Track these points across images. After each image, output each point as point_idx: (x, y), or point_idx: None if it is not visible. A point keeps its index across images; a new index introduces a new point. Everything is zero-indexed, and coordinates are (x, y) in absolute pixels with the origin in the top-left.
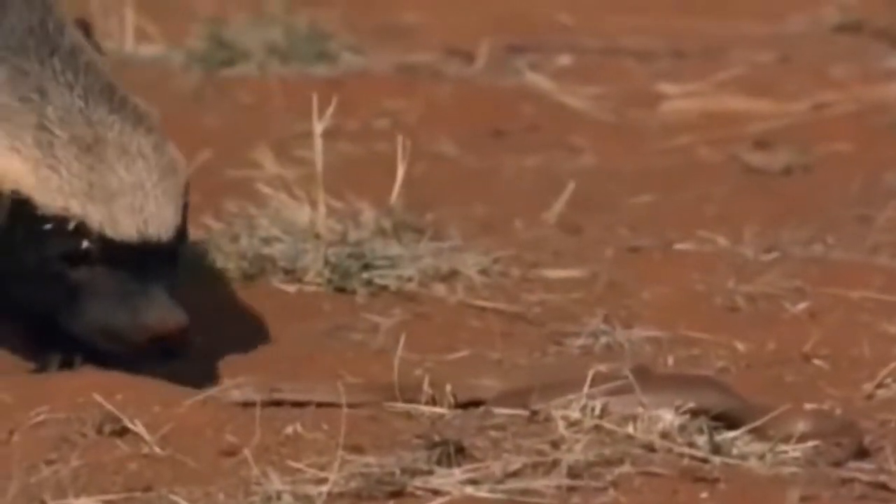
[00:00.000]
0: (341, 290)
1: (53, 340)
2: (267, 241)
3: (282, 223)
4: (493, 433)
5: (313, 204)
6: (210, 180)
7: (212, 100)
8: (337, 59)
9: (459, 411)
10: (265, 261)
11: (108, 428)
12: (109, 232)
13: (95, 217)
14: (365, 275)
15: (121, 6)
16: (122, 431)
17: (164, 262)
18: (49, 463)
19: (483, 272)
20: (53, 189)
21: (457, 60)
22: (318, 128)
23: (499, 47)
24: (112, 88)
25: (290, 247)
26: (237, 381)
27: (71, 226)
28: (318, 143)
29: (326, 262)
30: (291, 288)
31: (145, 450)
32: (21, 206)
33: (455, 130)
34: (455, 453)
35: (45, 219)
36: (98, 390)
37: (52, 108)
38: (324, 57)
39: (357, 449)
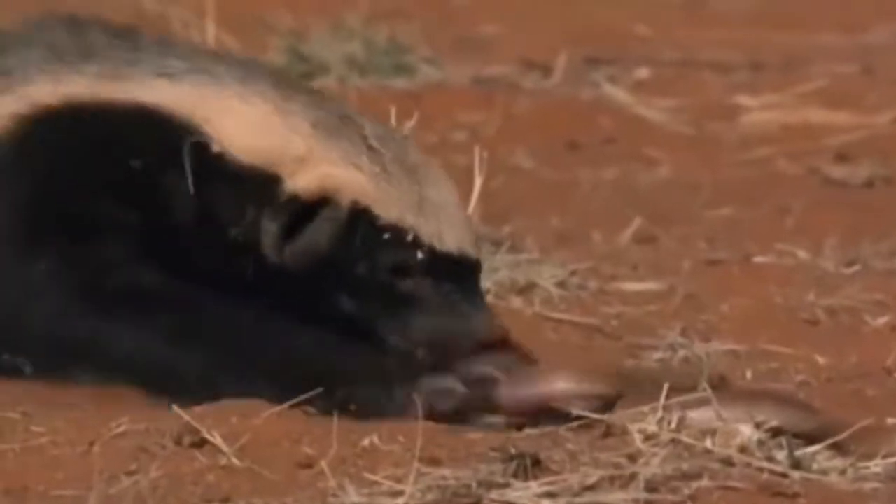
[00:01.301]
0: None
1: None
2: None
3: None
4: (569, 446)
5: None
6: None
7: None
8: (415, 72)
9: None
10: None
11: (186, 439)
12: (437, 244)
13: (426, 230)
14: None
15: (201, 20)
16: (201, 443)
17: (476, 277)
18: (129, 474)
19: (560, 285)
20: (391, 201)
21: (534, 73)
22: None
23: (576, 60)
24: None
25: None
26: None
27: (407, 237)
28: None
29: None
30: None
31: (223, 461)
32: (359, 216)
33: (532, 143)
34: (531, 466)
35: (382, 229)
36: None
37: (369, 129)
38: (402, 70)
39: (433, 461)
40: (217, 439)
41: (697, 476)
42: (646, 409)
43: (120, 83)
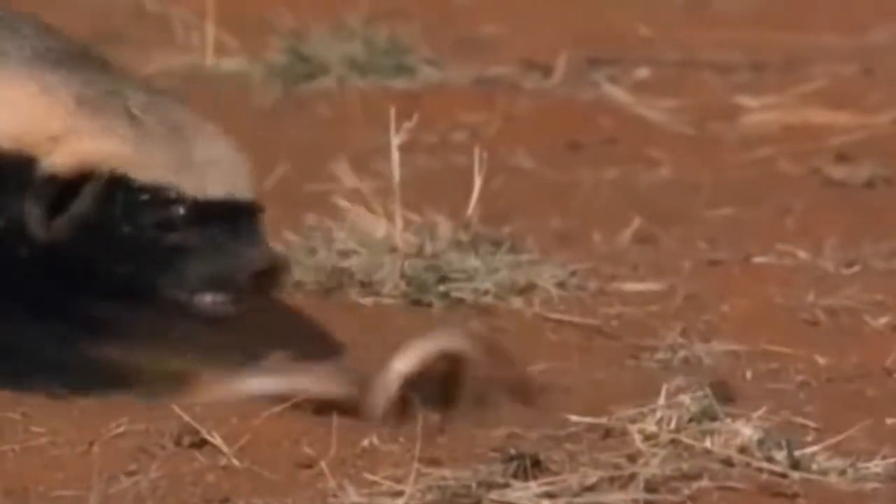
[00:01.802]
0: (417, 302)
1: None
2: (344, 254)
3: (359, 236)
4: (569, 446)
5: (390, 217)
6: (288, 194)
7: (291, 114)
8: (416, 73)
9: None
10: (342, 274)
11: (186, 440)
12: (200, 196)
13: (189, 184)
14: (441, 287)
15: (201, 21)
16: (201, 443)
17: (252, 221)
18: (129, 474)
19: (560, 285)
20: (150, 163)
21: (535, 73)
22: (396, 141)
23: (577, 60)
24: (164, 90)
25: (366, 260)
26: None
27: (168, 194)
28: (396, 156)
29: (403, 275)
30: (368, 301)
31: (223, 461)
32: (119, 183)
33: (532, 143)
34: (531, 466)
35: (143, 190)
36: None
37: (133, 100)
38: (403, 70)
39: (433, 462)
40: (217, 440)
41: (697, 476)
42: (645, 409)
43: None
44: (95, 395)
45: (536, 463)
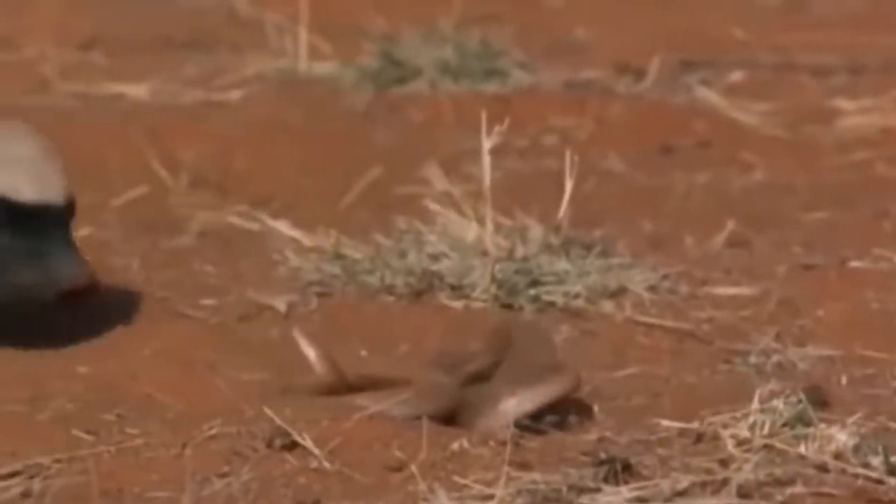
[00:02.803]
0: (508, 306)
1: None
2: (435, 257)
3: (449, 239)
4: (660, 451)
5: (481, 220)
6: (379, 197)
7: (382, 117)
8: (507, 76)
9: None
10: (433, 277)
11: (277, 442)
12: (12, 197)
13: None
14: (532, 291)
15: (295, 25)
16: (292, 446)
17: (64, 226)
18: (221, 476)
19: (651, 289)
20: None
21: (627, 77)
22: (487, 144)
23: (670, 63)
24: None
25: (457, 263)
26: (404, 397)
27: None
28: (487, 159)
29: (493, 279)
30: (458, 304)
31: (314, 464)
32: None
33: (624, 147)
34: (622, 471)
35: None
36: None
37: None
38: (494, 74)
39: (523, 465)
40: (308, 442)
41: (791, 482)
42: (737, 414)
43: None
44: None
45: (627, 467)
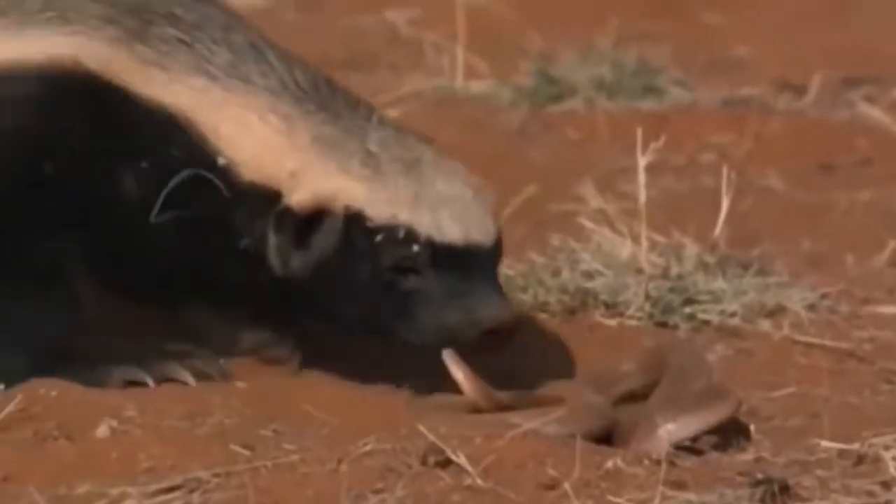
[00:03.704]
0: (663, 324)
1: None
2: (589, 274)
3: (604, 257)
4: (819, 472)
5: (636, 238)
6: (534, 214)
7: (538, 135)
8: (664, 94)
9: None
10: (587, 294)
11: (431, 459)
12: (437, 237)
13: (423, 224)
14: (687, 309)
15: (453, 44)
16: (446, 463)
17: (488, 266)
18: (375, 492)
19: (810, 308)
20: (384, 201)
21: (787, 94)
22: (642, 162)
23: (832, 79)
24: (411, 130)
25: (611, 281)
26: (558, 416)
27: (401, 234)
28: (642, 177)
29: (648, 297)
30: (612, 322)
31: (468, 481)
32: (353, 221)
33: (784, 164)
34: (779, 492)
35: (377, 230)
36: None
37: (373, 137)
38: (651, 91)
39: (678, 485)
40: (462, 459)
41: None
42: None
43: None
44: None
45: (785, 489)
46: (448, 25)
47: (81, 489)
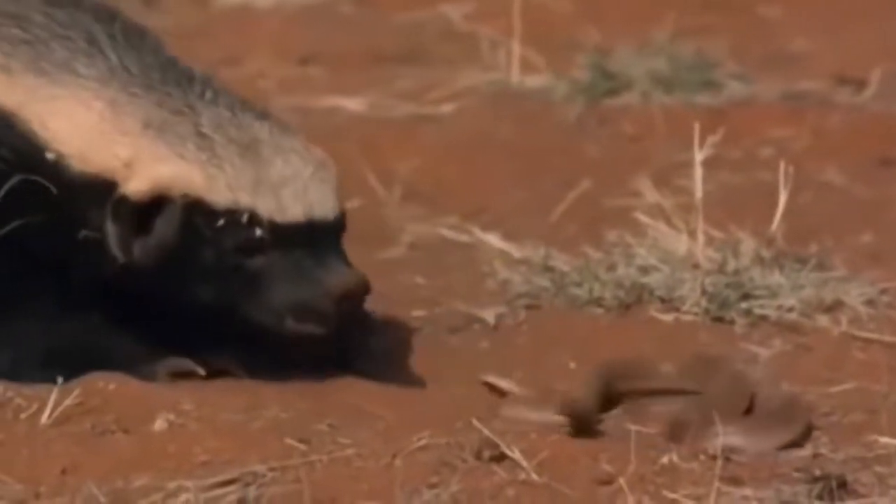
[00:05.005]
0: (719, 319)
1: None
2: (644, 269)
3: (660, 252)
4: (878, 469)
5: (692, 233)
6: (589, 209)
7: (594, 129)
8: (722, 88)
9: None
10: (642, 290)
11: (486, 454)
12: (279, 218)
13: (264, 206)
14: (744, 304)
15: (508, 38)
16: (500, 457)
17: (334, 241)
18: (430, 487)
19: (869, 303)
20: (222, 186)
21: (847, 87)
22: (699, 156)
23: (893, 73)
24: (248, 103)
25: (667, 276)
26: (611, 413)
27: (243, 218)
28: (699, 171)
29: (704, 292)
30: (668, 317)
31: (522, 476)
32: (193, 207)
33: (843, 159)
34: (837, 488)
35: (218, 214)
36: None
37: (205, 118)
38: (709, 86)
39: (734, 481)
40: (516, 454)
41: None
42: None
43: None
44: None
45: (843, 485)
46: (504, 19)
47: (138, 482)
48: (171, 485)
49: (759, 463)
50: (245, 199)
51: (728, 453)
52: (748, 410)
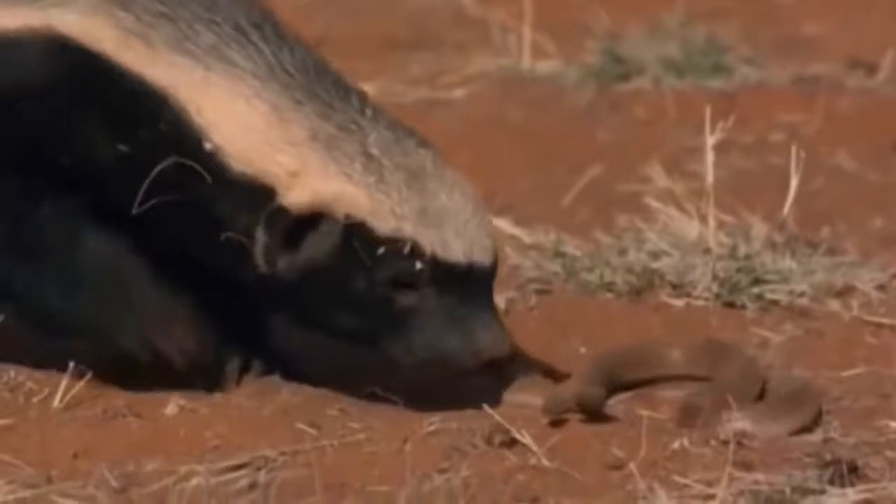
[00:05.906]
0: (730, 304)
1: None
2: (655, 254)
3: (670, 237)
4: (889, 453)
5: (703, 218)
6: (600, 194)
7: (605, 114)
8: (733, 73)
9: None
10: (653, 275)
11: (497, 439)
12: (441, 254)
13: (427, 239)
14: (755, 289)
15: (519, 24)
16: (511, 442)
17: (487, 288)
18: (441, 472)
19: (880, 288)
20: (387, 212)
21: (859, 72)
22: (710, 141)
23: None
24: (406, 126)
25: (678, 261)
26: (619, 397)
27: (405, 248)
28: (709, 156)
29: (715, 277)
30: (679, 302)
31: (533, 461)
32: (354, 230)
33: (855, 144)
34: (848, 473)
35: (379, 241)
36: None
37: (373, 137)
38: (720, 70)
39: (746, 466)
40: (527, 439)
41: None
42: None
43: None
44: None
45: (854, 469)
46: (515, 5)
47: (150, 466)
48: (183, 469)
49: (771, 448)
50: (409, 230)
51: (739, 438)
52: (759, 395)
